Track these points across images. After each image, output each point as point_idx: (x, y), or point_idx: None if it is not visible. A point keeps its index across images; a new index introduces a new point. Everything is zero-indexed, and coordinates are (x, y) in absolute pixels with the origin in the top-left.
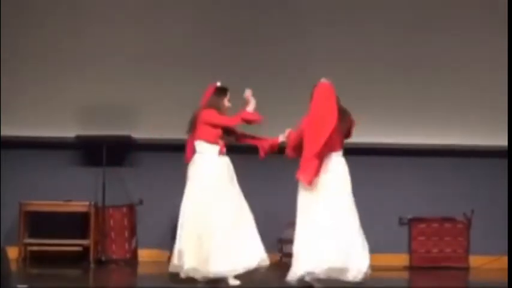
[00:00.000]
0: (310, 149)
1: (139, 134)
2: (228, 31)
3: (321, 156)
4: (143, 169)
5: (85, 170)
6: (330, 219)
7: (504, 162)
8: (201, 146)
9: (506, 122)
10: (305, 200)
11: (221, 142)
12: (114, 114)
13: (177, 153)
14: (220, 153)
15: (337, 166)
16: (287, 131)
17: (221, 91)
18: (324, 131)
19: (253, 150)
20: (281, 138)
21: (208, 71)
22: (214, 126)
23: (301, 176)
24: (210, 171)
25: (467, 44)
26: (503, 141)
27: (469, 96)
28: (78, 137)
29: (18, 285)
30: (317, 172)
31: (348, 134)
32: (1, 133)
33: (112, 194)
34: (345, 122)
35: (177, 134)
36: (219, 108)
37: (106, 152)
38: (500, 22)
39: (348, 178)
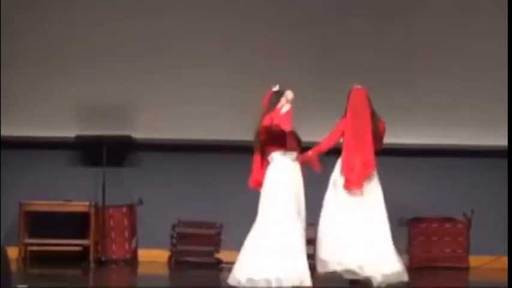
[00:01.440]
0: (363, 159)
1: (139, 134)
2: (228, 31)
3: (372, 164)
4: (143, 169)
5: (85, 170)
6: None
7: (504, 162)
8: (274, 156)
9: (506, 122)
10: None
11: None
12: (114, 114)
13: (177, 153)
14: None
15: None
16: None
17: (273, 96)
18: (367, 139)
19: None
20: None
21: (209, 71)
22: (270, 133)
23: (354, 186)
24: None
25: (467, 44)
26: (503, 141)
27: (469, 96)
28: (78, 137)
29: (18, 285)
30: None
31: (379, 140)
32: (1, 133)
33: (112, 194)
34: (376, 127)
35: (177, 134)
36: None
37: (106, 152)
38: (501, 22)
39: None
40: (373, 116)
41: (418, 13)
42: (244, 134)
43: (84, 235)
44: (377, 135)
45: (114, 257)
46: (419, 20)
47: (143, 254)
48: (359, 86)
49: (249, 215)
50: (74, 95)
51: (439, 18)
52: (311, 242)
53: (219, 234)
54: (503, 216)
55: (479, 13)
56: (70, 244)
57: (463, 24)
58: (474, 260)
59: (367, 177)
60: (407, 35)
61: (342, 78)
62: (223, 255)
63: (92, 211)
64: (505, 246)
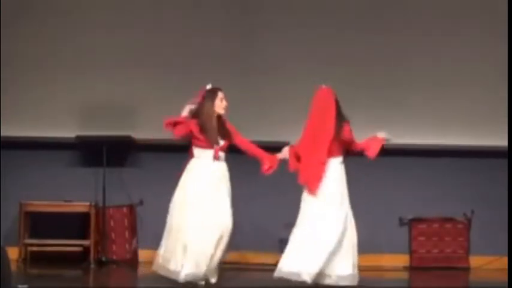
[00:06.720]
0: (315, 156)
1: (139, 134)
2: (228, 31)
3: (325, 163)
4: (143, 169)
5: (85, 170)
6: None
7: (504, 162)
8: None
9: (506, 122)
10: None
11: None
12: (114, 114)
13: (177, 153)
14: (214, 158)
15: (334, 173)
16: (285, 148)
17: (209, 94)
18: (324, 138)
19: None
20: (280, 156)
21: (209, 71)
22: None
23: (309, 183)
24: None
25: (467, 44)
26: (503, 141)
27: (469, 96)
28: (78, 137)
29: (18, 285)
30: (321, 179)
31: (346, 141)
32: (1, 133)
33: (112, 194)
34: (340, 128)
35: None
36: (203, 114)
37: (106, 152)
38: (501, 22)
39: (344, 185)
40: (338, 117)
41: (414, 11)
42: (245, 133)
43: (84, 235)
44: (338, 138)
45: (115, 257)
46: (416, 19)
47: (143, 255)
48: (325, 86)
49: (248, 214)
50: (74, 95)
51: (439, 17)
52: None
53: None
54: (503, 216)
55: (480, 12)
56: (70, 244)
57: (463, 23)
58: (474, 260)
59: (321, 177)
60: (407, 34)
61: (344, 77)
62: None
63: (92, 211)
64: (505, 246)
